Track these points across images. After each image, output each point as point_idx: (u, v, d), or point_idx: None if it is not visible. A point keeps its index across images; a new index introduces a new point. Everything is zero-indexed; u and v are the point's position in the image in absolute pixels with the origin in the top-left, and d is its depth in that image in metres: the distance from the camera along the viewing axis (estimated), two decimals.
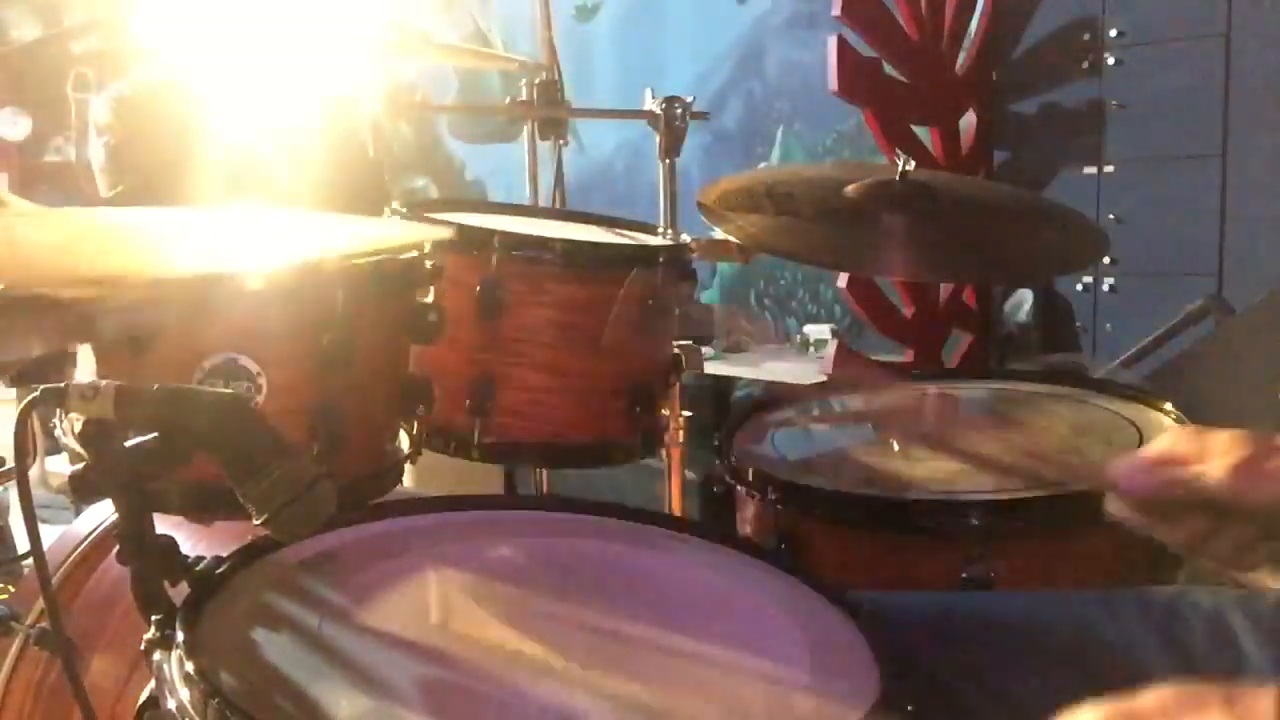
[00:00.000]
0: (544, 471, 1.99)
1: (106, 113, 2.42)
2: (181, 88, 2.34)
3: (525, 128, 2.19)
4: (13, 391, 0.97)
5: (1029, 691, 0.92)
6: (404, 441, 1.23)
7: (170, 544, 0.83)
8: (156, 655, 0.78)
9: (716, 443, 1.46)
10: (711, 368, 3.56)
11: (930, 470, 1.36)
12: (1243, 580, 1.02)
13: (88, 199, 2.15)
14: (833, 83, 2.90)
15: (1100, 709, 0.65)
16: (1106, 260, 2.89)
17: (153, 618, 0.81)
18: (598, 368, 1.37)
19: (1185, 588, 1.03)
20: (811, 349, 3.60)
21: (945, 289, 3.15)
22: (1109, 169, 2.97)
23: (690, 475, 1.81)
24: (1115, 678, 0.90)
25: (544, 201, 2.26)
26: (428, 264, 1.16)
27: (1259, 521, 0.86)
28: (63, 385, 0.80)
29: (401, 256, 1.12)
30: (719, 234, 1.65)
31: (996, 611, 1.05)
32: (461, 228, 1.39)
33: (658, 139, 1.75)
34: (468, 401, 1.32)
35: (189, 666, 0.74)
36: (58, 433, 1.09)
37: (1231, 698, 0.63)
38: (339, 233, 1.10)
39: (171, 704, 0.74)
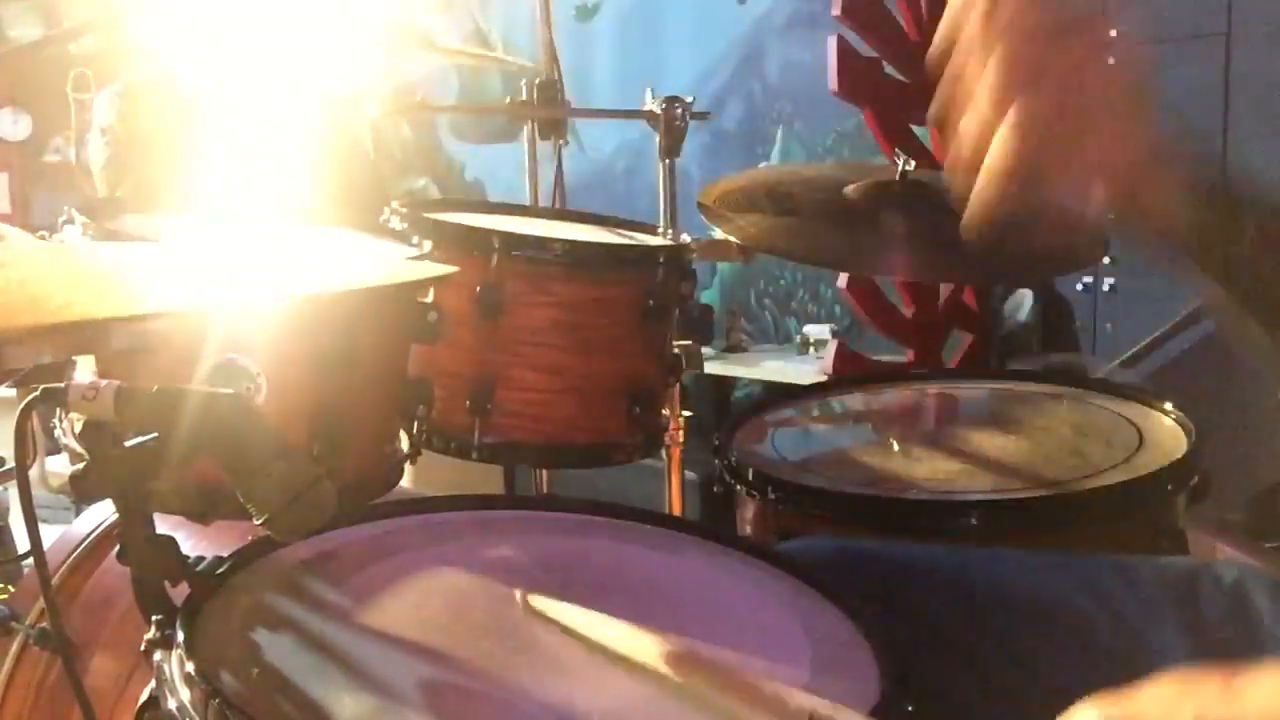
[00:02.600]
0: (544, 471, 1.99)
1: (110, 111, 2.41)
2: (183, 86, 2.34)
3: (525, 128, 2.19)
4: (13, 391, 0.97)
5: (1043, 653, 0.92)
6: (404, 441, 1.23)
7: (170, 544, 0.83)
8: (157, 655, 0.78)
9: (716, 443, 1.46)
10: (711, 368, 3.55)
11: (930, 470, 1.37)
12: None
13: (87, 200, 2.15)
14: (833, 83, 2.90)
15: (1100, 705, 0.64)
16: (1106, 260, 2.89)
17: (153, 618, 0.81)
18: (598, 368, 1.37)
19: (1207, 562, 1.02)
20: (811, 349, 3.60)
21: (945, 289, 3.14)
22: None
23: (690, 475, 1.81)
24: (1130, 647, 0.89)
25: (544, 201, 2.26)
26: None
27: None
28: (63, 385, 0.80)
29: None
30: (719, 234, 1.65)
31: (1013, 571, 1.03)
32: (461, 228, 1.39)
33: (658, 139, 1.75)
34: (468, 401, 1.32)
35: (189, 667, 0.74)
36: (58, 433, 1.09)
37: (1232, 686, 0.62)
38: (343, 265, 1.10)
39: (172, 704, 0.74)
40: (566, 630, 0.86)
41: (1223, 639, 0.91)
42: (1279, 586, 0.94)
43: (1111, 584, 0.98)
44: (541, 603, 0.90)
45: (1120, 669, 0.65)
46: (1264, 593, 0.94)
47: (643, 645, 0.84)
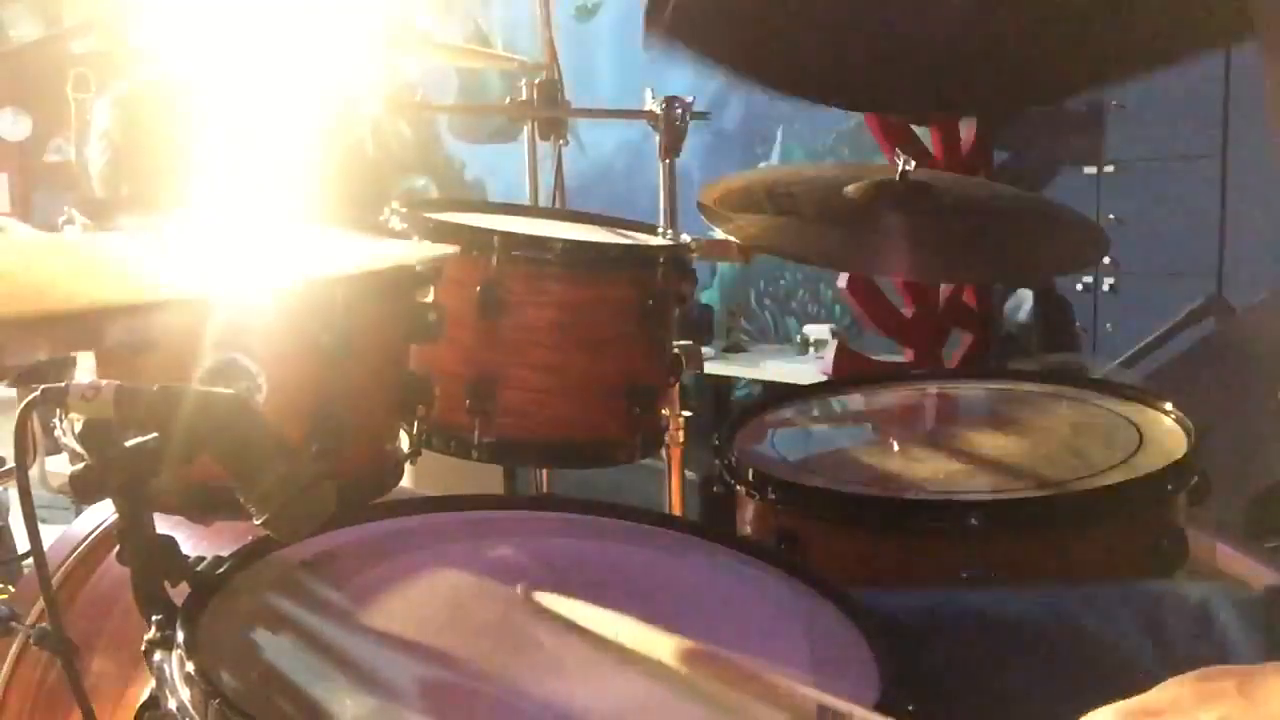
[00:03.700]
0: (544, 471, 1.99)
1: (108, 117, 2.41)
2: (182, 88, 2.34)
3: (525, 128, 2.19)
4: (13, 391, 0.97)
5: (1016, 685, 0.92)
6: (404, 441, 1.23)
7: (170, 544, 0.83)
8: (157, 655, 0.78)
9: (716, 443, 1.46)
10: (711, 368, 3.55)
11: (930, 470, 1.36)
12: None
13: (86, 200, 2.15)
14: None
15: (1116, 710, 0.64)
16: (1106, 260, 2.89)
17: (153, 618, 0.81)
18: (597, 368, 1.37)
19: (1171, 582, 1.02)
20: (811, 349, 3.60)
21: (945, 289, 3.15)
22: (1109, 169, 2.97)
23: (690, 475, 1.81)
24: (1101, 671, 0.90)
25: (544, 201, 2.26)
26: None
27: None
28: (63, 385, 0.80)
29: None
30: (719, 234, 1.65)
31: (982, 606, 1.04)
32: (461, 228, 1.39)
33: (658, 139, 1.75)
34: (468, 401, 1.32)
35: (189, 666, 0.74)
36: (58, 433, 1.09)
37: (1246, 685, 0.62)
38: (341, 254, 1.10)
39: (172, 704, 0.74)
40: (567, 629, 0.86)
41: (1189, 658, 0.91)
42: (1243, 603, 0.95)
43: (1078, 608, 0.98)
44: (542, 599, 0.90)
45: (1098, 694, 0.66)
46: (1228, 610, 0.95)
47: (642, 645, 0.84)
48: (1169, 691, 0.64)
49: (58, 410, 1.01)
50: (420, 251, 1.15)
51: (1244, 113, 2.71)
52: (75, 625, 1.26)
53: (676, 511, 1.82)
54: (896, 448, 1.47)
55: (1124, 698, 0.64)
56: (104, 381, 0.79)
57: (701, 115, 1.82)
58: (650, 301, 1.37)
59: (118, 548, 0.82)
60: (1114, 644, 0.94)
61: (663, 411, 1.52)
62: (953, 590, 1.17)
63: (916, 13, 0.92)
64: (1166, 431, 1.39)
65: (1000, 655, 0.97)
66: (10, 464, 0.92)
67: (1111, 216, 2.91)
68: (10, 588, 1.57)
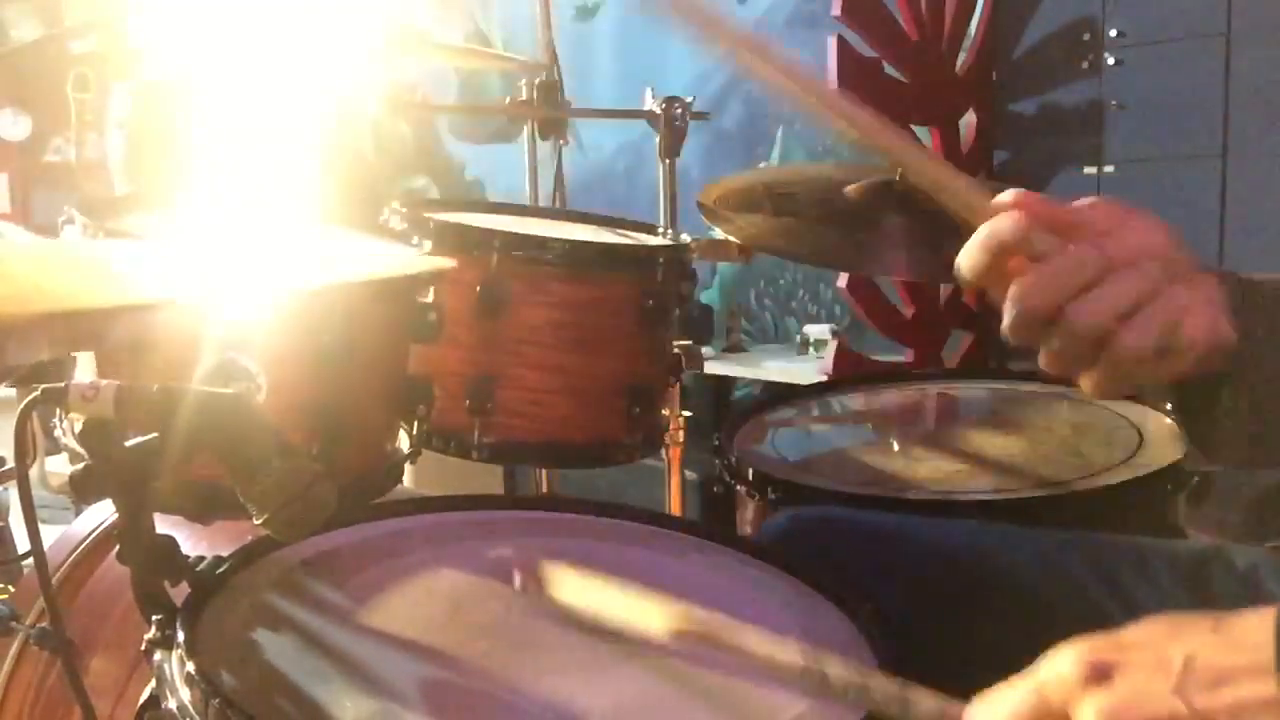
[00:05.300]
0: (544, 471, 1.99)
1: (127, 105, 2.41)
2: (189, 85, 2.34)
3: (525, 128, 2.19)
4: (13, 391, 0.97)
5: (1049, 636, 0.92)
6: (404, 441, 1.23)
7: (170, 544, 0.83)
8: (157, 655, 0.78)
9: (716, 443, 1.46)
10: (711, 368, 3.55)
11: (930, 470, 1.37)
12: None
13: (88, 199, 2.15)
14: (833, 83, 2.90)
15: (1084, 644, 0.63)
16: None
17: (153, 618, 0.81)
18: (597, 367, 1.37)
19: (1218, 545, 1.00)
20: (811, 349, 3.59)
21: (945, 289, 3.15)
22: (1109, 169, 2.96)
23: (690, 475, 1.81)
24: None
25: (544, 201, 2.26)
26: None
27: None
28: (63, 385, 0.80)
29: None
30: (719, 234, 1.65)
31: (1023, 551, 1.02)
32: (461, 228, 1.39)
33: (658, 139, 1.75)
34: (468, 401, 1.32)
35: (190, 666, 0.74)
36: (58, 433, 1.09)
37: (1221, 626, 0.61)
38: (342, 259, 1.10)
39: (172, 704, 0.74)
40: (565, 630, 0.86)
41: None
42: None
43: (1122, 567, 0.96)
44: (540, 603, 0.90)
45: None
46: (1276, 576, 0.93)
47: (642, 645, 0.84)
48: (1143, 628, 0.63)
49: (58, 410, 1.01)
50: (417, 265, 1.15)
51: (1244, 113, 2.71)
52: (75, 625, 1.26)
53: (676, 511, 1.82)
54: (896, 448, 1.47)
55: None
56: (104, 381, 0.79)
57: (701, 115, 1.82)
58: (650, 301, 1.37)
59: (118, 548, 0.82)
60: (1156, 605, 0.93)
61: (663, 411, 1.52)
62: (987, 527, 1.13)
63: None
64: (1166, 432, 1.39)
65: (1034, 603, 0.95)
66: (10, 464, 0.92)
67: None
68: (10, 588, 1.57)
